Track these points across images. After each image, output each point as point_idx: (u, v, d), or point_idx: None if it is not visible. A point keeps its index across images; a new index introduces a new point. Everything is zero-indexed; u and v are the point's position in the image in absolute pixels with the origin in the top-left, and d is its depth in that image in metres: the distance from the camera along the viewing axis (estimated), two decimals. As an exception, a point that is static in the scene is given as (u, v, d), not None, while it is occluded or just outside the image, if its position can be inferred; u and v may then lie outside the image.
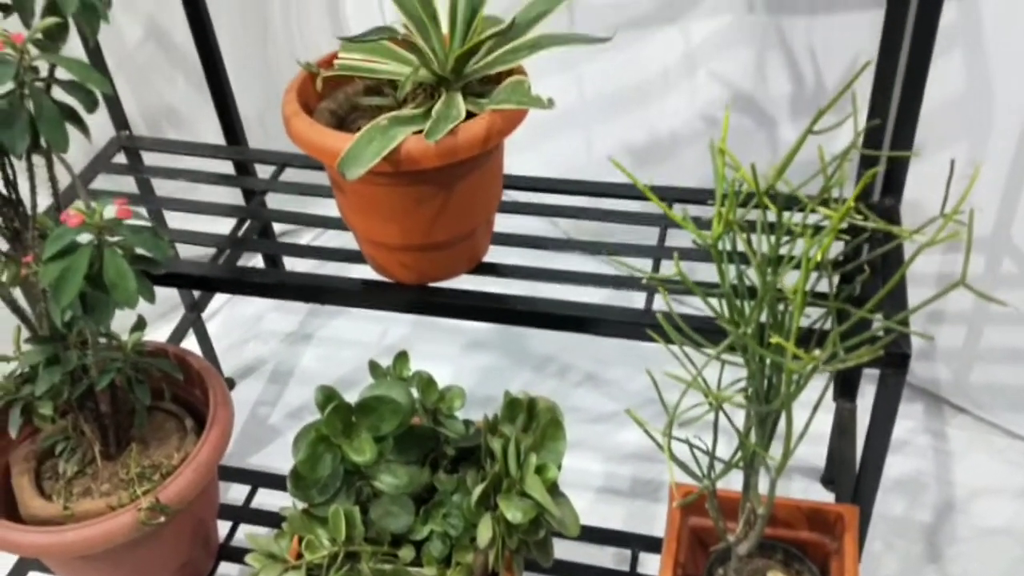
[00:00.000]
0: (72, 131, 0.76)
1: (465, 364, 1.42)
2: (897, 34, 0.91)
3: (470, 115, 0.81)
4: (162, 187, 1.18)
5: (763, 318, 0.71)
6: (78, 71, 0.71)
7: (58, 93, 0.76)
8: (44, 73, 0.76)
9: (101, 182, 1.10)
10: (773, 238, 0.69)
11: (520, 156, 1.61)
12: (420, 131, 0.78)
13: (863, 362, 0.65)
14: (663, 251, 0.96)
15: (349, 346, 1.47)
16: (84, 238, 0.71)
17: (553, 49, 0.83)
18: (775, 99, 1.22)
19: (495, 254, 0.95)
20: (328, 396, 0.79)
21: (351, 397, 0.84)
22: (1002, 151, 1.08)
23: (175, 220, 1.14)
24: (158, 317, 1.42)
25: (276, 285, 0.92)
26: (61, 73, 0.75)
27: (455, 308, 0.88)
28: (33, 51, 0.72)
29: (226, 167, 1.17)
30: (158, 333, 1.32)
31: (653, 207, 1.06)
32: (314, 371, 1.44)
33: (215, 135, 1.26)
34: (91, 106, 0.73)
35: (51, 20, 0.70)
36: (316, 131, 0.80)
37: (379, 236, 0.86)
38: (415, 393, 0.85)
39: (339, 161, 0.75)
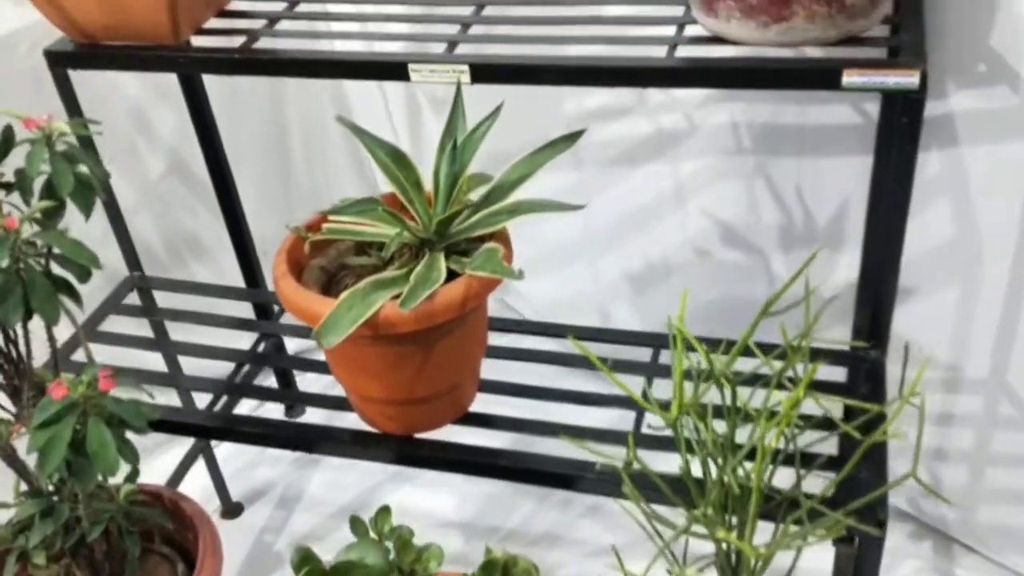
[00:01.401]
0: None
1: (469, 491, 1.42)
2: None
3: (453, 274, 0.84)
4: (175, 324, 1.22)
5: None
6: (70, 249, 0.75)
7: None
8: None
9: (112, 323, 1.14)
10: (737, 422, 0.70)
11: (534, 278, 1.65)
12: (400, 295, 0.81)
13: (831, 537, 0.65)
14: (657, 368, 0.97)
15: (356, 470, 1.48)
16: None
17: (530, 215, 0.86)
18: (766, 233, 1.23)
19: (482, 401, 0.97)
20: (303, 558, 0.81)
21: (345, 533, 0.85)
22: (993, 295, 1.08)
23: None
24: (166, 440, 1.45)
25: (267, 435, 0.95)
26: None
27: (440, 461, 0.90)
28: (30, 228, 0.77)
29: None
30: (170, 456, 1.35)
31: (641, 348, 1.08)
32: (321, 497, 1.45)
33: (235, 265, 1.32)
34: (84, 277, 0.78)
35: (46, 203, 0.75)
36: (300, 295, 0.83)
37: (363, 390, 0.88)
38: (392, 553, 0.86)
39: (315, 331, 0.78)
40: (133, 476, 0.96)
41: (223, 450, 1.47)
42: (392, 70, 0.90)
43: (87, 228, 1.20)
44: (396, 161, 0.83)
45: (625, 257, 1.42)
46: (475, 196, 0.91)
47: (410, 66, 0.90)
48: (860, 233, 1.03)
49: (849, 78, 0.79)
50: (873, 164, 1.00)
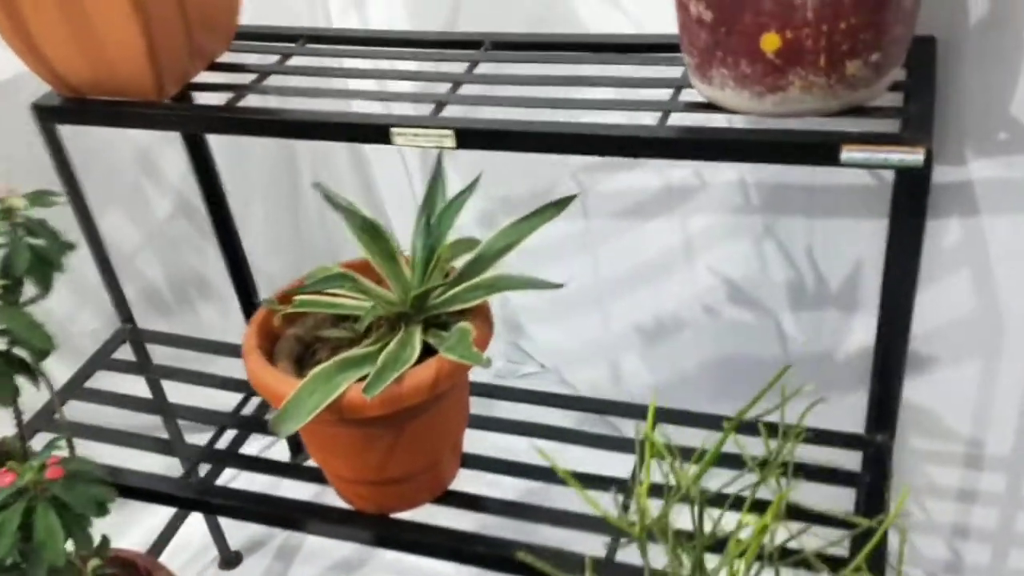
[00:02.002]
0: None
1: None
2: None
3: (430, 349, 0.80)
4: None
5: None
6: (24, 329, 0.73)
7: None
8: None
9: (100, 379, 1.12)
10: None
11: (543, 324, 1.62)
12: (368, 375, 0.77)
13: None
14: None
15: (357, 521, 1.45)
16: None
17: (508, 292, 0.82)
18: (776, 293, 1.18)
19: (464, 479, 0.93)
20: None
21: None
22: (1016, 368, 1.02)
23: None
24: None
25: (240, 508, 0.92)
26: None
27: (416, 545, 0.86)
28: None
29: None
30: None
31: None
32: (319, 548, 1.42)
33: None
34: (39, 359, 0.75)
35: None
36: (266, 373, 0.80)
37: (333, 469, 0.85)
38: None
39: (272, 419, 0.75)
40: (104, 547, 0.94)
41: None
42: (375, 133, 0.87)
43: (88, 272, 1.21)
44: (369, 233, 0.80)
45: (635, 308, 1.37)
46: (460, 263, 0.87)
47: (393, 129, 0.86)
48: (875, 296, 0.98)
49: (848, 154, 0.74)
50: (888, 228, 0.95)
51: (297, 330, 0.88)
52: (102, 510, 0.76)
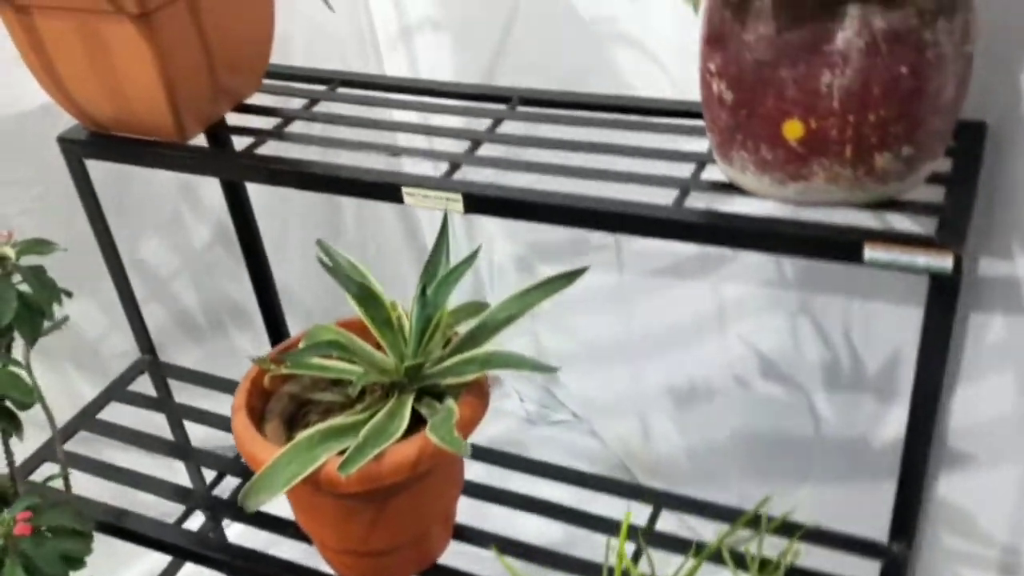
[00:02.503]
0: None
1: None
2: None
3: (421, 419, 0.77)
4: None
5: None
6: (5, 382, 0.72)
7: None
8: None
9: (113, 411, 1.12)
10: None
11: (575, 372, 1.57)
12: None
13: None
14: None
15: None
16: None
17: (504, 370, 0.78)
18: (810, 371, 1.12)
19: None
20: None
21: None
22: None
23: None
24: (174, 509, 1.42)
25: (231, 564, 0.90)
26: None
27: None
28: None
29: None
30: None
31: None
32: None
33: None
34: (25, 407, 0.75)
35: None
36: (248, 436, 0.78)
37: (318, 536, 0.82)
38: None
39: (244, 490, 0.73)
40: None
41: (234, 530, 1.43)
42: (386, 190, 0.85)
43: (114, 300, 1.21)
44: (364, 300, 0.77)
45: (667, 368, 1.32)
46: (465, 327, 0.84)
47: (404, 189, 0.84)
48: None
49: (872, 253, 0.69)
50: (923, 319, 0.89)
51: (292, 388, 0.86)
52: (75, 565, 0.74)
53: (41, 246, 0.76)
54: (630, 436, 1.48)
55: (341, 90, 1.03)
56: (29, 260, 0.75)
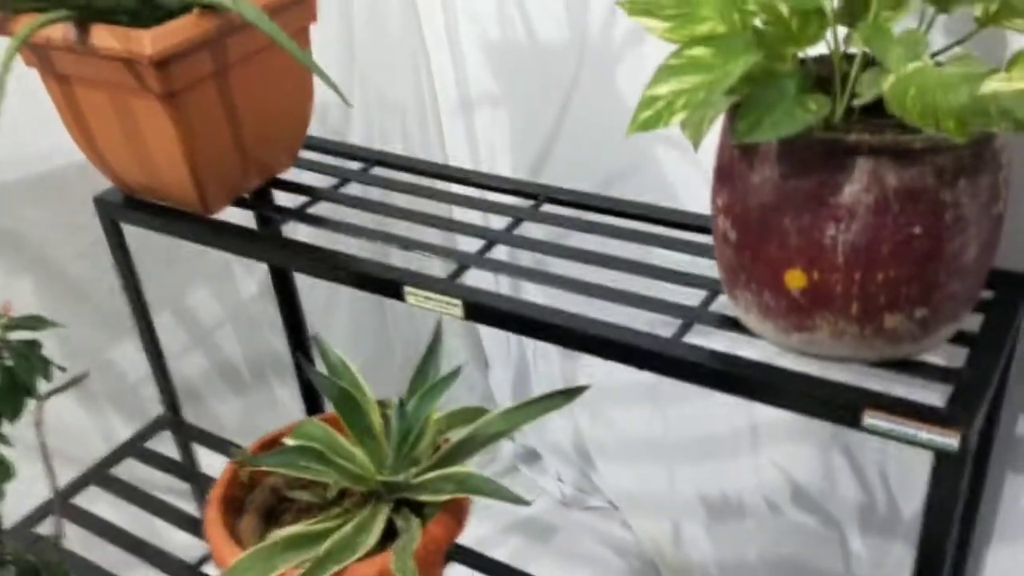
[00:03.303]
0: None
1: None
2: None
3: (395, 530, 0.74)
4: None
5: None
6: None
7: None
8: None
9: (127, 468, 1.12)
10: None
11: (611, 465, 1.52)
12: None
13: None
14: None
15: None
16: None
17: (478, 497, 0.75)
18: (842, 506, 1.05)
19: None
20: None
21: None
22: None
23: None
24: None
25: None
26: None
27: None
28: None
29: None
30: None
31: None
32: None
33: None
34: (4, 480, 0.75)
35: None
36: (215, 532, 0.77)
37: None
38: None
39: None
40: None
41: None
42: (388, 287, 0.83)
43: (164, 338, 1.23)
44: (344, 405, 0.75)
45: (700, 477, 1.27)
46: (457, 435, 0.81)
47: (405, 288, 0.82)
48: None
49: (872, 420, 0.64)
50: (927, 491, 0.81)
51: (275, 481, 0.84)
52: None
53: (35, 322, 0.76)
54: (661, 536, 1.42)
55: (375, 171, 1.03)
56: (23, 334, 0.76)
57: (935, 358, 0.68)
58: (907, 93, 0.51)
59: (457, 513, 0.76)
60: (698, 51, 0.58)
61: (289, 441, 0.78)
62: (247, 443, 1.24)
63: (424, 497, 0.75)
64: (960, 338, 0.69)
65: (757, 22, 0.61)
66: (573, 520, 1.59)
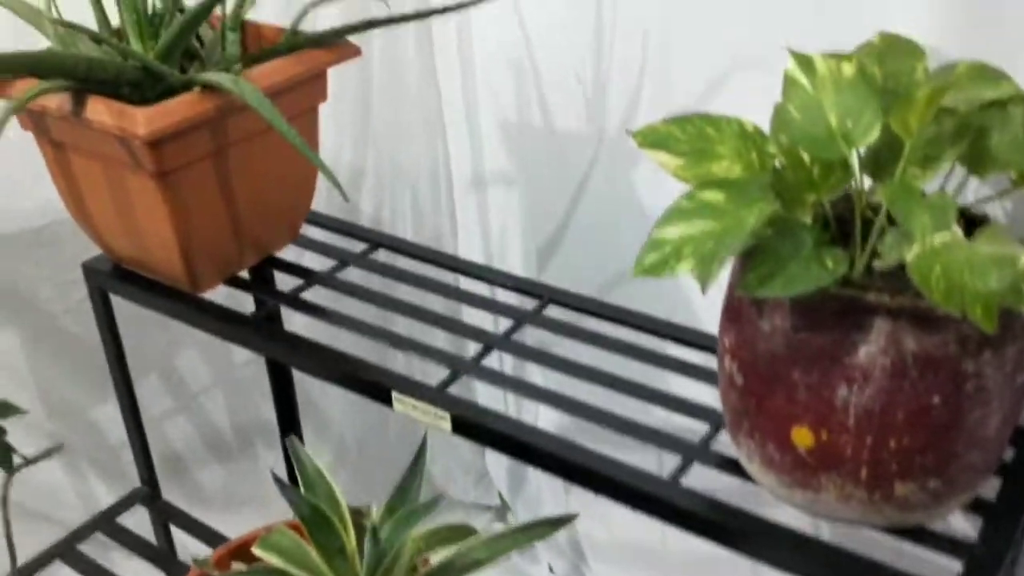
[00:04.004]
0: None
1: None
2: None
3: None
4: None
5: None
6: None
7: None
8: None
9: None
10: None
11: (604, 564, 1.46)
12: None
13: None
14: None
15: None
16: None
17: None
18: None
19: None
20: None
21: None
22: None
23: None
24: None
25: None
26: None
27: None
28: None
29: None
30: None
31: None
32: None
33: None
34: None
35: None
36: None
37: None
38: None
39: None
40: None
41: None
42: (376, 390, 0.79)
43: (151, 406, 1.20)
44: (315, 525, 0.70)
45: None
46: (435, 558, 0.77)
47: (394, 393, 0.78)
48: None
49: (874, 598, 0.59)
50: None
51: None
52: None
53: (6, 408, 0.73)
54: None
55: (375, 255, 0.99)
56: None
57: (947, 526, 0.63)
58: (932, 270, 0.47)
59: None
60: (711, 195, 0.54)
61: (256, 550, 0.74)
62: (228, 514, 1.20)
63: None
64: (976, 505, 0.64)
65: (777, 163, 0.57)
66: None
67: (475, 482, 1.56)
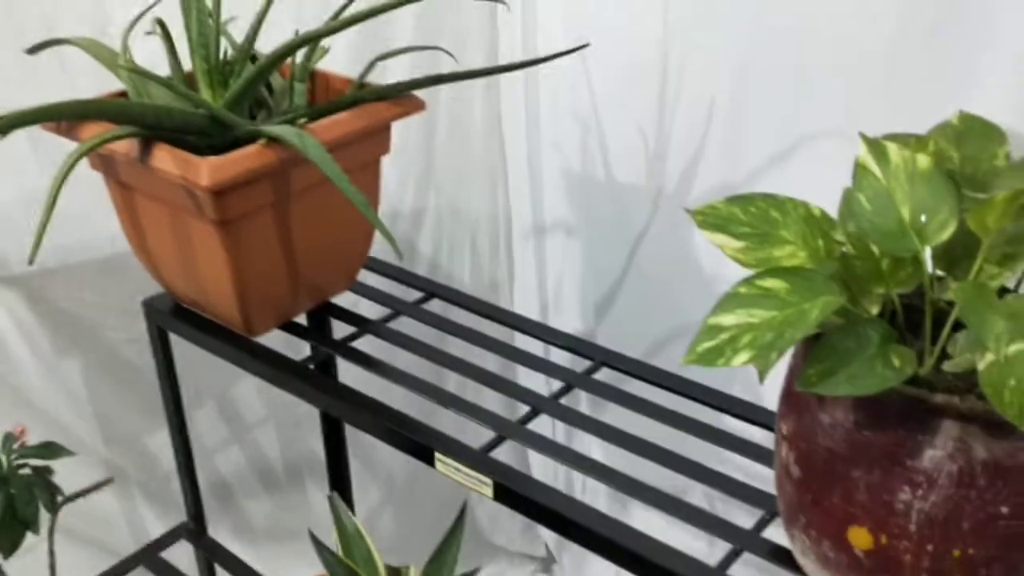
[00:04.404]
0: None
1: None
2: None
3: None
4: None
5: None
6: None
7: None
8: None
9: None
10: None
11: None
12: None
13: None
14: None
15: None
16: None
17: None
18: None
19: None
20: None
21: None
22: None
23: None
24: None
25: None
26: None
27: None
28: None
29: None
30: None
31: None
32: None
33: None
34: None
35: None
36: None
37: None
38: None
39: None
40: None
41: None
42: (419, 450, 0.78)
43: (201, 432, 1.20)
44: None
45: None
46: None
47: (436, 454, 0.77)
48: None
49: None
50: None
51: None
52: None
53: (47, 451, 0.73)
54: None
55: (428, 305, 0.99)
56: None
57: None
58: (1005, 383, 0.45)
59: None
60: (773, 283, 0.52)
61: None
62: (274, 546, 1.19)
63: None
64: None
65: (843, 252, 0.55)
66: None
67: (522, 531, 1.54)
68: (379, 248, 1.04)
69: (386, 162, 0.94)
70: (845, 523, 0.57)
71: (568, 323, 1.30)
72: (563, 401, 0.84)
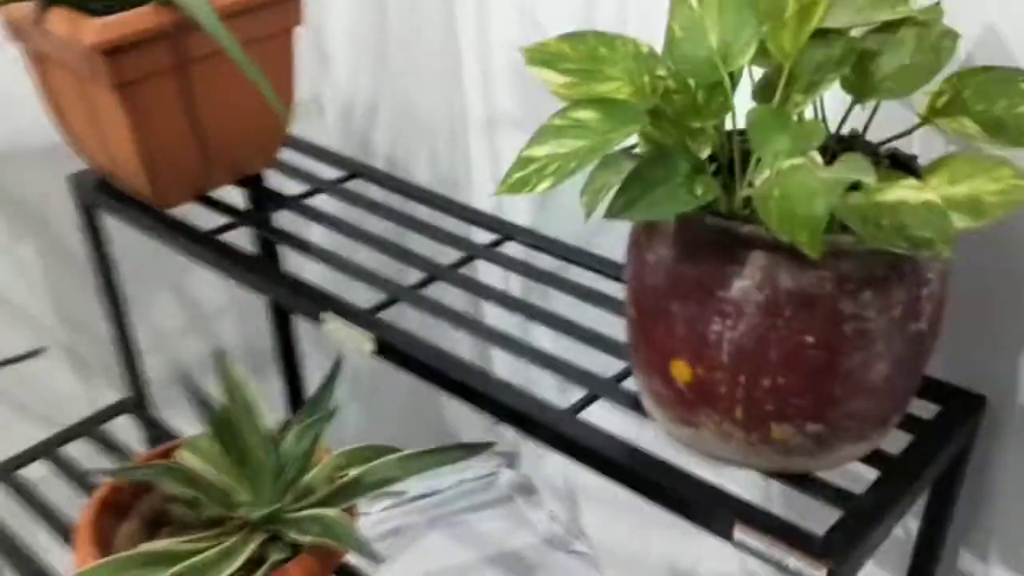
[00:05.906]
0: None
1: None
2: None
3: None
4: None
5: None
6: None
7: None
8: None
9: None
10: None
11: (592, 512, 1.46)
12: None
13: None
14: None
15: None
16: None
17: (337, 543, 0.70)
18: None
19: None
20: None
21: None
22: None
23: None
24: None
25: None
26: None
27: None
28: None
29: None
30: None
31: None
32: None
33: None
34: None
35: None
36: (81, 536, 0.74)
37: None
38: None
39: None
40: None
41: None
42: (308, 306, 0.80)
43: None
44: (220, 430, 0.71)
45: (678, 550, 1.20)
46: (354, 471, 0.78)
47: (322, 314, 0.79)
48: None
49: (742, 536, 0.58)
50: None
51: (164, 490, 0.82)
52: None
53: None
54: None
55: (350, 184, 1.00)
56: None
57: (838, 475, 0.61)
58: (771, 195, 0.45)
59: (325, 557, 0.72)
60: (584, 113, 0.53)
61: (180, 452, 0.76)
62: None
63: (292, 535, 0.72)
64: (876, 458, 0.62)
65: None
66: (553, 561, 1.54)
67: (485, 430, 1.57)
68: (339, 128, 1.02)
69: (337, 53, 0.93)
70: (668, 357, 0.58)
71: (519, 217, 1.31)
72: (463, 271, 0.86)
